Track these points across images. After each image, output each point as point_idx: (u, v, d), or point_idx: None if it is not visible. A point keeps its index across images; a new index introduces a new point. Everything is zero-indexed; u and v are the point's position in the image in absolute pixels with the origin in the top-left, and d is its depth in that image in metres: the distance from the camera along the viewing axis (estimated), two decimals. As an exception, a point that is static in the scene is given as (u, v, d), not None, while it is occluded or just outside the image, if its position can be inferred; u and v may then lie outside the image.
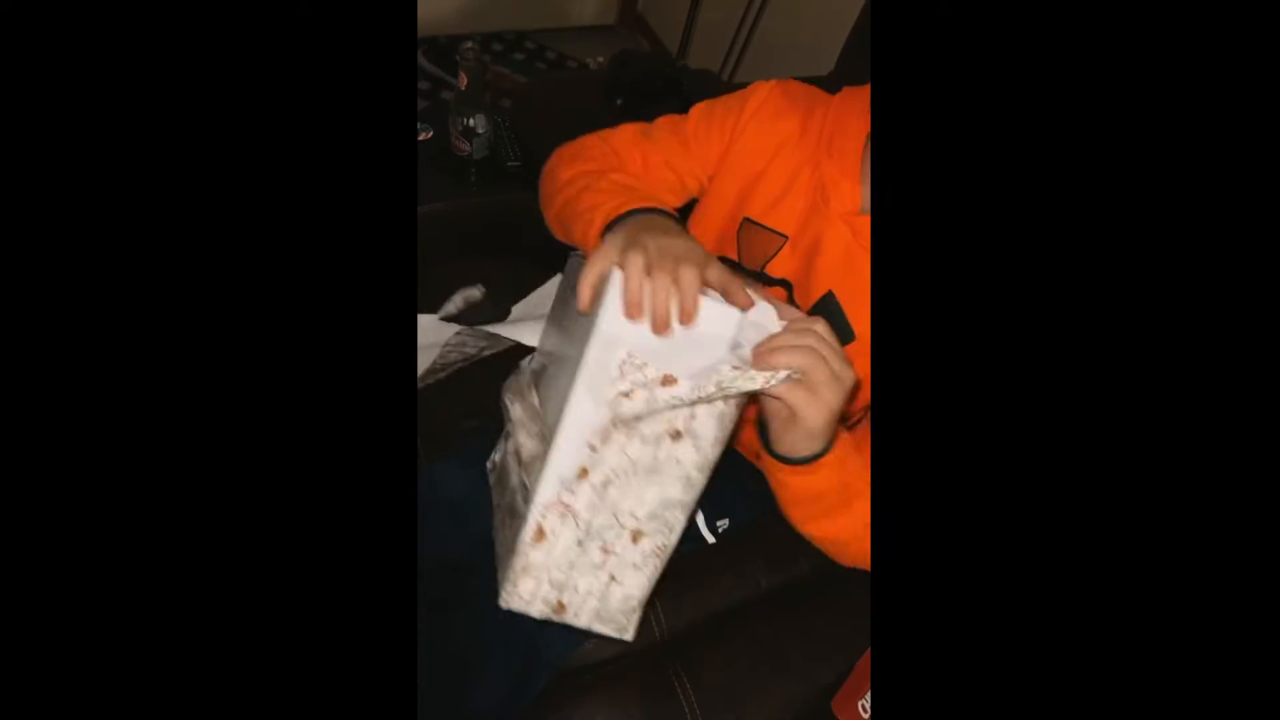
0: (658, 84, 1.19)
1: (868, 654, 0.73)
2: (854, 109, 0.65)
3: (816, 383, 0.46)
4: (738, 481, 0.84)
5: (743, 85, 0.73)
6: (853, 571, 0.65)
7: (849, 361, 0.48)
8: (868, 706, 0.70)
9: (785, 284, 0.68)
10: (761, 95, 0.69)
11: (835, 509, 0.55)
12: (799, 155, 0.66)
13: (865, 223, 0.62)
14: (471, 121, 1.07)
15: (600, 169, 0.68)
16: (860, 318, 0.64)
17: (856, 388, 0.49)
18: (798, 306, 0.67)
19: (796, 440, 0.50)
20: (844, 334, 0.65)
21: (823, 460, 0.51)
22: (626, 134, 0.73)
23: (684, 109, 0.74)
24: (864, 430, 0.69)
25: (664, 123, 0.73)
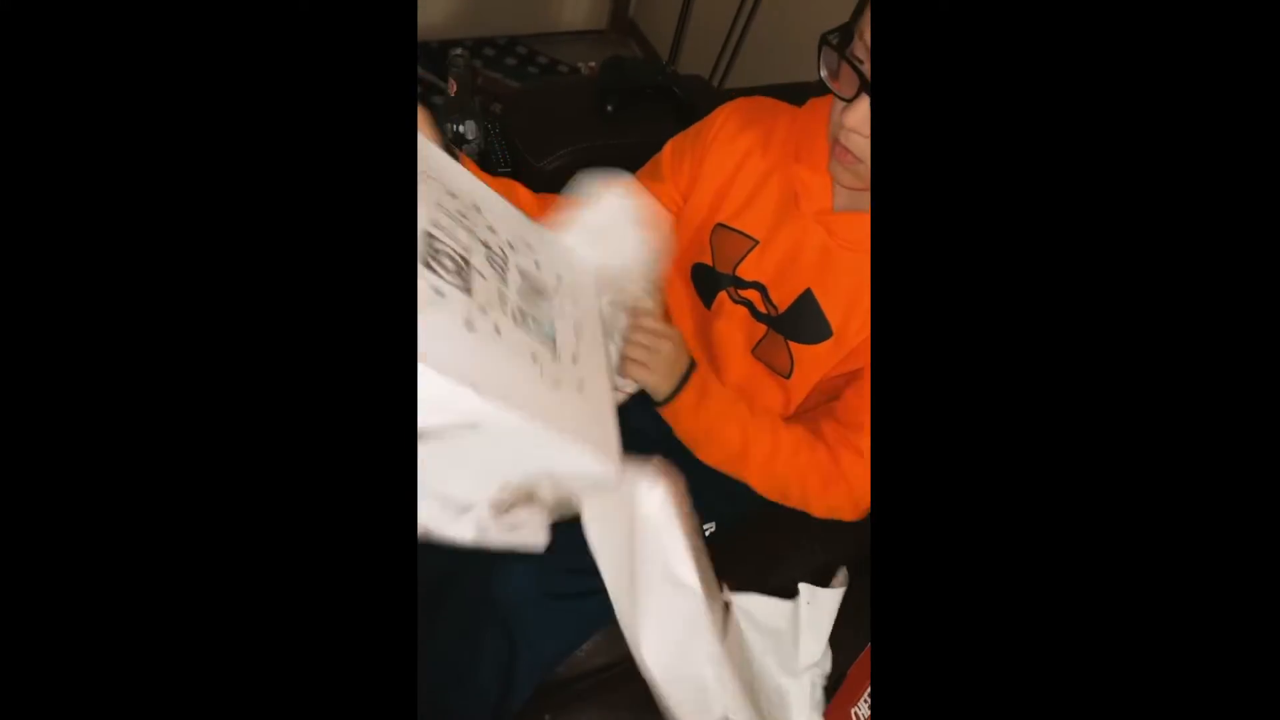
0: (649, 90, 1.20)
1: (859, 660, 0.74)
2: (821, 117, 0.67)
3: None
4: (719, 483, 0.85)
5: (731, 91, 0.76)
6: (861, 566, 0.67)
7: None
8: (859, 714, 0.70)
9: (759, 286, 0.70)
10: (724, 115, 0.74)
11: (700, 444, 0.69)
12: (765, 163, 0.70)
13: (839, 220, 0.65)
14: (461, 127, 1.07)
15: None
16: (836, 314, 0.66)
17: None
18: (774, 306, 0.70)
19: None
20: (821, 331, 0.67)
21: (673, 403, 0.64)
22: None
23: (675, 114, 0.77)
24: (825, 411, 0.73)
25: (651, 161, 0.81)
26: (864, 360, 0.67)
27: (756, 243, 0.70)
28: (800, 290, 0.67)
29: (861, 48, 0.53)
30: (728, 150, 0.71)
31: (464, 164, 0.66)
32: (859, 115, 0.55)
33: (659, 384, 0.63)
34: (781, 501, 0.71)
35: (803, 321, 0.68)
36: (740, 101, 0.75)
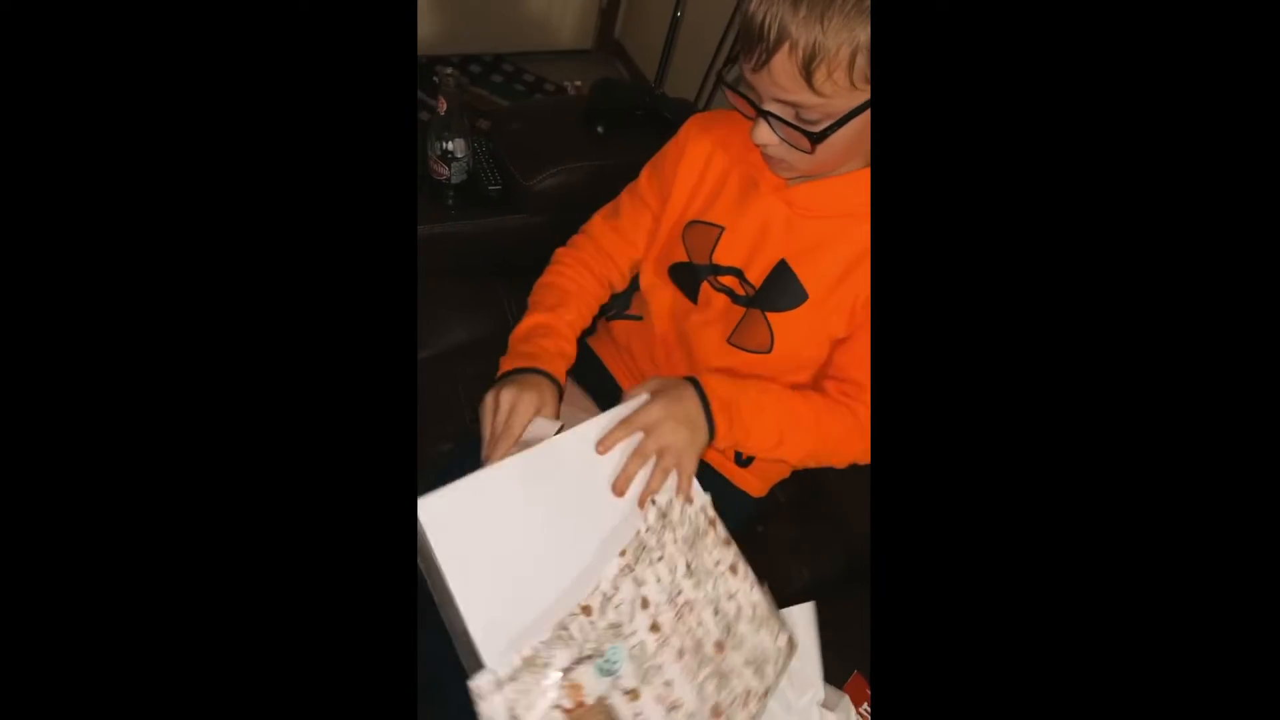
0: (638, 113, 1.22)
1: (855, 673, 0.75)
2: None
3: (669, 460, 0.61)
4: (723, 484, 0.85)
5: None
6: (850, 582, 0.68)
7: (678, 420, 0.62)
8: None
9: (736, 271, 0.76)
10: (690, 125, 0.82)
11: (777, 446, 0.70)
12: (727, 160, 0.77)
13: (795, 191, 0.71)
14: (450, 146, 1.07)
15: (551, 281, 0.83)
16: (809, 278, 0.72)
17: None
18: (751, 286, 0.76)
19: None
20: (797, 297, 0.72)
21: (718, 438, 0.65)
22: (597, 221, 0.88)
23: (665, 134, 0.81)
24: (821, 378, 0.77)
25: (625, 193, 0.87)
26: (846, 329, 0.72)
27: (723, 229, 0.76)
28: (775, 262, 0.73)
29: (747, 72, 0.60)
30: (696, 154, 0.78)
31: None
32: (761, 133, 0.63)
33: (689, 444, 0.62)
34: (811, 464, 0.74)
35: (779, 290, 0.73)
36: (703, 114, 0.83)
